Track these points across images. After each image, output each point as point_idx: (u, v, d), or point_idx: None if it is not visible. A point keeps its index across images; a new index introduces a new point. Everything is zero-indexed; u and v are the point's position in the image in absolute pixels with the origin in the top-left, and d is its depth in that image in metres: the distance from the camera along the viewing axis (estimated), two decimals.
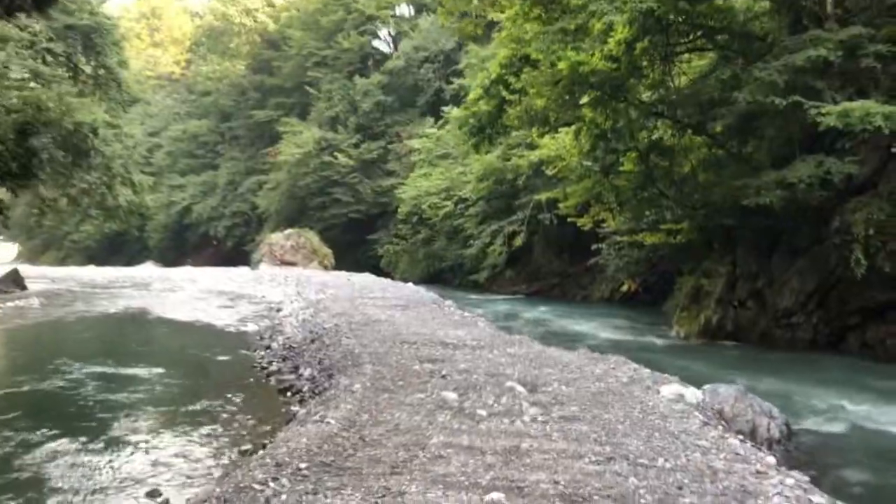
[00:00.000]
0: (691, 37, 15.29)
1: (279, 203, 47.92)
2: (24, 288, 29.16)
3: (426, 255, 35.72)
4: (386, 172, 43.26)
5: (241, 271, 38.41)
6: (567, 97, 14.34)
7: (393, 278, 31.73)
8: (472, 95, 15.84)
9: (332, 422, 5.09)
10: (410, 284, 23.93)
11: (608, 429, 5.26)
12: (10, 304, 21.05)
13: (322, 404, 6.35)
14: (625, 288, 20.88)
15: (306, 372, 8.86)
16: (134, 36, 76.96)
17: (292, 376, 9.08)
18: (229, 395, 8.42)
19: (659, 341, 14.76)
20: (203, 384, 9.52)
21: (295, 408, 7.50)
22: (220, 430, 7.03)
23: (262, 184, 50.71)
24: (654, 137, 16.54)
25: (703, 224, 16.15)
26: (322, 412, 5.50)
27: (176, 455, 6.18)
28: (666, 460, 4.72)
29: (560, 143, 19.39)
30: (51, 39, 26.80)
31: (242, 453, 6.00)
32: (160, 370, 10.43)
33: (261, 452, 4.90)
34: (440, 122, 38.00)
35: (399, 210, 37.01)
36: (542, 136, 18.37)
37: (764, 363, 12.11)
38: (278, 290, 25.88)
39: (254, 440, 6.41)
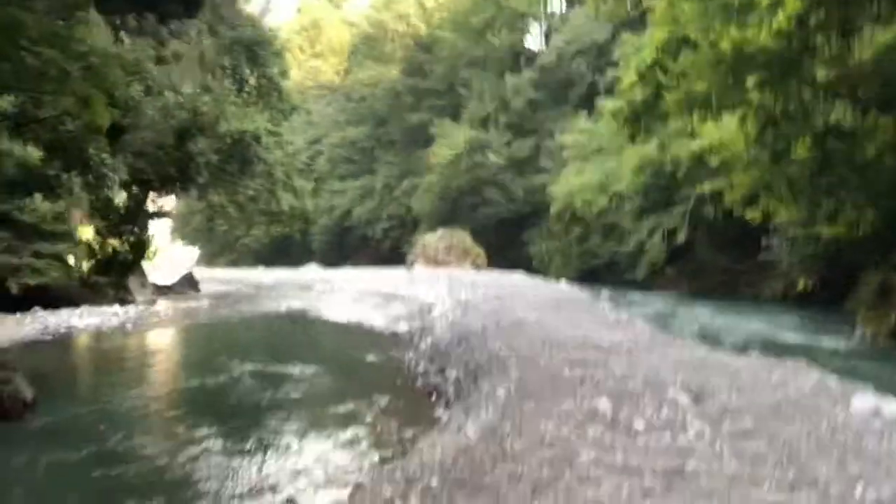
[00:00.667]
0: (875, 6, 13.64)
1: (432, 204, 48.54)
2: (198, 289, 31.23)
3: (580, 252, 34.80)
4: (537, 170, 42.65)
5: (397, 272, 39.08)
6: (731, 79, 13.21)
7: (546, 277, 31.11)
8: (625, 82, 14.98)
9: (471, 433, 4.67)
10: (563, 283, 23.25)
11: (790, 448, 4.48)
12: (182, 304, 22.48)
13: (464, 411, 5.98)
14: (800, 286, 19.04)
15: (452, 375, 8.54)
16: (295, 47, 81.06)
17: (439, 379, 8.80)
18: (375, 397, 8.26)
19: (842, 344, 13.24)
20: (351, 384, 9.46)
21: (439, 412, 7.19)
22: (363, 434, 6.83)
23: (417, 186, 51.59)
24: (831, 120, 14.95)
25: (891, 212, 14.42)
26: (462, 420, 5.11)
27: (317, 460, 6.02)
28: (866, 490, 3.93)
29: (724, 130, 18.01)
30: (218, 54, 28.50)
31: (382, 461, 5.74)
32: (312, 369, 10.51)
33: (394, 464, 4.59)
34: (593, 115, 36.93)
35: (551, 207, 36.31)
36: (703, 122, 17.13)
37: None
38: (431, 291, 25.91)
39: (394, 446, 6.15)
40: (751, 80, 13.72)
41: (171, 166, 22.07)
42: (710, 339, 13.17)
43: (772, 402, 5.46)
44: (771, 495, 3.87)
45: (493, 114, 45.74)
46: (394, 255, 52.50)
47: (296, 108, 32.78)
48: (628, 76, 15.13)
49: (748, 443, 4.62)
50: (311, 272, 49.82)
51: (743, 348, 11.77)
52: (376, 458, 5.89)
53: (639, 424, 4.93)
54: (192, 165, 22.05)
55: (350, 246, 62.96)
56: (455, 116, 50.47)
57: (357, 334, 14.82)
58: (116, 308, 19.83)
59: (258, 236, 64.84)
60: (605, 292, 25.31)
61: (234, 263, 73.18)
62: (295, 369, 10.57)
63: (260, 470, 5.86)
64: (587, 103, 39.63)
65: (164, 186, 25.10)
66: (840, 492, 3.94)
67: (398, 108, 58.51)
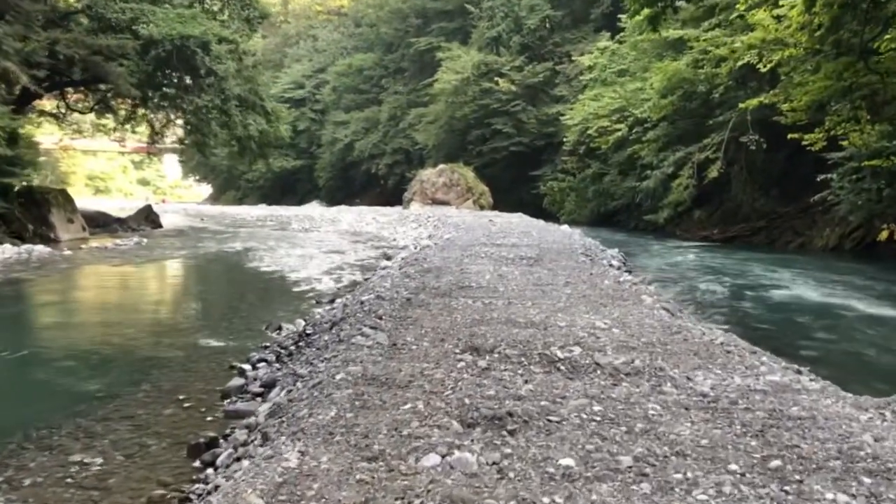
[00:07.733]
0: None
1: (437, 137, 43.78)
2: (157, 225, 27.58)
3: (596, 192, 30.11)
4: (553, 98, 37.64)
5: (391, 211, 35.03)
6: None
7: (559, 220, 26.65)
8: None
9: None
10: (564, 227, 18.84)
11: None
12: (95, 244, 18.55)
13: None
14: (883, 235, 14.30)
15: (263, 407, 4.40)
16: None
17: (253, 405, 4.66)
18: (121, 453, 4.18)
19: None
20: (122, 410, 5.28)
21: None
22: None
23: (422, 117, 46.74)
24: None
25: None
26: None
27: None
28: None
29: (782, 25, 13.24)
30: None
31: None
32: (124, 362, 6.51)
33: None
34: (617, 35, 31.80)
35: (565, 140, 31.50)
36: (754, 6, 12.43)
37: None
38: (414, 233, 21.92)
39: None
40: None
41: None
42: (762, 322, 8.85)
43: None
44: None
45: (504, 34, 40.52)
46: (399, 193, 48.03)
47: (266, 15, 28.19)
48: None
49: None
50: (305, 210, 45.90)
51: (825, 350, 7.46)
52: None
53: None
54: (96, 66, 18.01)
55: (357, 183, 58.41)
56: (465, 40, 45.25)
57: (259, 292, 10.76)
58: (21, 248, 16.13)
59: (261, 172, 60.84)
60: (622, 239, 21.03)
61: (240, 201, 69.76)
62: (105, 351, 6.60)
63: None
64: (611, 22, 34.37)
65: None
66: None
67: (405, 33, 53.27)
